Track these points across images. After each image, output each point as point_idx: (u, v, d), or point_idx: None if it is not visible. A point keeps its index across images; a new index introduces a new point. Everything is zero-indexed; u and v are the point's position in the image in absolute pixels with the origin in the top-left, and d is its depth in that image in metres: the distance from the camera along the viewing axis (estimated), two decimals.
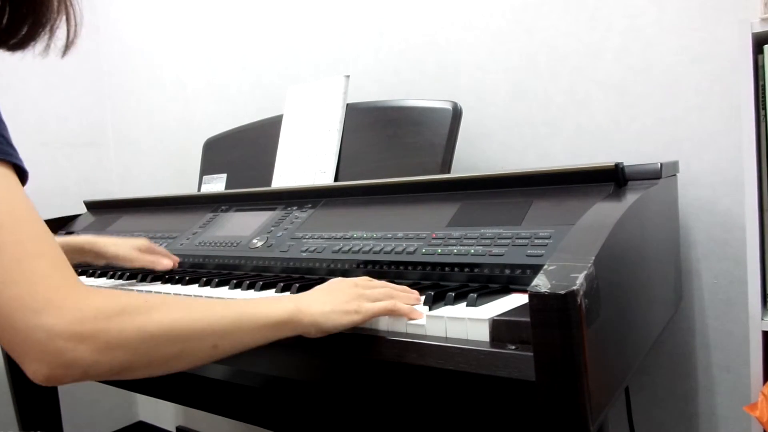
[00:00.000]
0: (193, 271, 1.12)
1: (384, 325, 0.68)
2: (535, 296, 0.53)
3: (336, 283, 0.72)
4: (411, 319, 0.67)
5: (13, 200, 0.52)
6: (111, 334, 0.50)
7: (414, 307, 0.70)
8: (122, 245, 1.06)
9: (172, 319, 0.54)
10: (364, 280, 0.74)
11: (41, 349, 0.47)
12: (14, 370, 1.45)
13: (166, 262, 1.06)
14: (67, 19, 0.65)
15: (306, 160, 1.26)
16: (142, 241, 1.09)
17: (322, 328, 0.65)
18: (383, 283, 0.75)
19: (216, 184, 1.46)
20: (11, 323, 0.47)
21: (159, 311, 0.54)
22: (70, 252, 1.03)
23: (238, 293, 0.86)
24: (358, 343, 0.68)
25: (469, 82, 1.29)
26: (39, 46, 0.65)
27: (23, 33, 0.63)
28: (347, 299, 0.67)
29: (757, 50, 0.83)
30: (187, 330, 0.55)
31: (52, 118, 1.92)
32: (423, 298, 0.73)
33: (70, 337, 0.47)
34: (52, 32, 0.64)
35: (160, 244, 1.22)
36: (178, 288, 0.97)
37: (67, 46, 0.67)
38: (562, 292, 0.52)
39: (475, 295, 0.67)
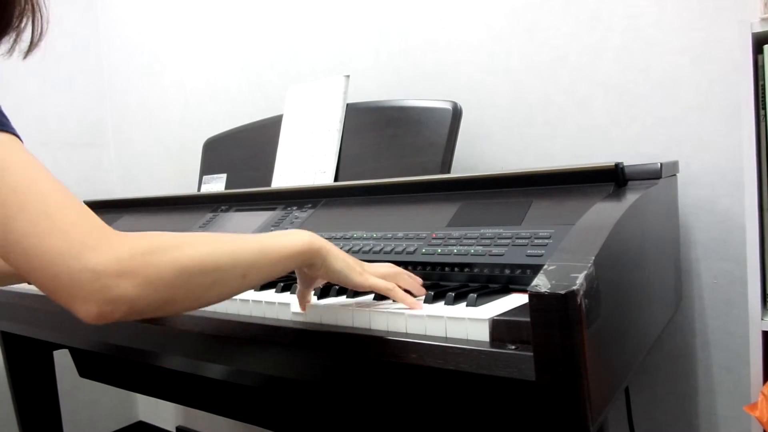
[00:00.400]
0: None
1: (384, 324, 0.68)
2: (535, 296, 0.53)
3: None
4: (409, 307, 0.69)
5: (26, 162, 0.54)
6: (150, 269, 0.52)
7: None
8: None
9: (203, 252, 0.57)
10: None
11: (88, 289, 0.49)
12: (14, 369, 1.45)
13: None
14: (33, 21, 0.66)
15: (306, 160, 1.26)
16: None
17: (330, 267, 0.69)
18: (386, 266, 0.77)
19: (216, 184, 1.46)
20: (53, 272, 0.49)
21: (190, 247, 0.57)
22: None
23: None
24: (358, 342, 0.68)
25: (469, 82, 1.29)
26: (3, 47, 0.66)
27: None
28: (355, 262, 0.72)
29: (757, 50, 0.83)
30: (218, 261, 0.58)
31: (52, 118, 1.92)
32: (423, 297, 0.73)
33: (113, 274, 0.50)
34: (18, 34, 0.65)
35: None
36: None
37: (30, 48, 0.68)
38: (562, 292, 0.52)
39: (475, 295, 0.67)
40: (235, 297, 0.83)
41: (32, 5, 0.65)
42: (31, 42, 0.67)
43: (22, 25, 0.65)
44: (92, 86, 2.05)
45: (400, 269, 0.76)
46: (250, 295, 0.84)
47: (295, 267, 0.69)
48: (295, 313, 0.76)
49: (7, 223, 0.50)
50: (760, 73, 0.83)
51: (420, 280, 0.78)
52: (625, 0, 1.10)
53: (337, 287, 0.81)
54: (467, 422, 0.71)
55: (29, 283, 0.85)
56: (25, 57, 0.68)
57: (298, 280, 0.74)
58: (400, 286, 0.73)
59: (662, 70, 1.08)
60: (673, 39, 1.06)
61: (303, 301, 0.75)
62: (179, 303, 0.56)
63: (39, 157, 0.57)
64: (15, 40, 0.66)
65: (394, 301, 0.72)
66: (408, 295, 0.71)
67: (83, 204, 0.54)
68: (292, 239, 0.67)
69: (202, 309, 0.87)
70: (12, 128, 0.56)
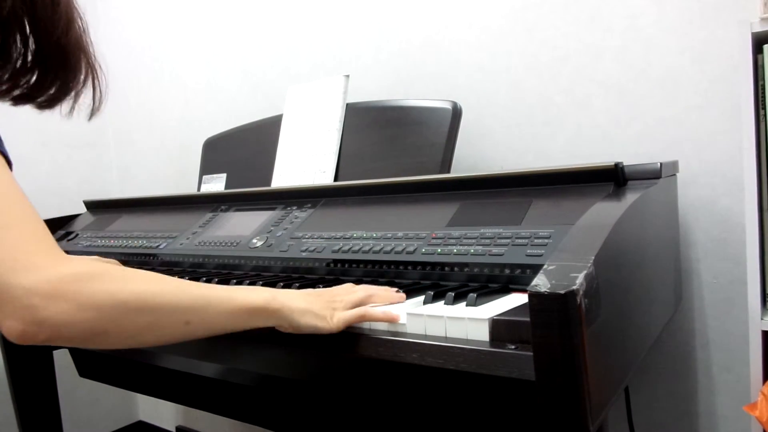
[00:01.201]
0: (192, 270, 1.12)
1: (383, 324, 0.68)
2: (534, 296, 0.53)
3: (316, 291, 0.73)
4: (387, 321, 0.67)
5: None
6: (84, 295, 0.52)
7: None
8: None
9: (145, 290, 0.57)
10: (346, 288, 0.75)
11: (16, 305, 0.50)
12: (14, 369, 1.45)
13: None
14: (93, 87, 0.71)
15: (306, 159, 1.26)
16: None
17: (295, 324, 0.67)
18: (365, 287, 0.76)
19: (216, 184, 1.46)
20: None
21: (133, 282, 0.56)
22: None
23: None
24: (358, 342, 0.68)
25: (469, 82, 1.29)
26: (65, 107, 0.71)
27: (51, 93, 0.69)
28: (323, 305, 0.69)
29: (757, 50, 0.83)
30: (158, 302, 0.57)
31: (52, 118, 1.92)
32: (423, 297, 0.73)
33: (44, 295, 0.50)
34: (77, 96, 0.71)
35: (160, 244, 1.22)
36: None
37: (93, 112, 0.73)
38: (562, 291, 0.52)
39: (475, 295, 0.67)
40: None
41: (93, 74, 0.70)
42: (93, 106, 0.72)
43: (81, 89, 0.70)
44: None
45: (371, 289, 0.75)
46: None
47: (254, 325, 0.65)
48: None
49: None
50: (760, 73, 0.83)
51: (394, 291, 0.76)
52: (625, 0, 1.10)
53: None
54: (467, 422, 0.71)
55: None
56: (89, 119, 0.74)
57: None
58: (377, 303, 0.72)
59: (662, 70, 1.08)
60: (673, 39, 1.06)
61: None
62: (111, 338, 0.55)
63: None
64: (74, 102, 0.71)
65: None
66: (384, 312, 0.68)
67: (42, 225, 0.55)
68: (248, 296, 0.65)
69: None
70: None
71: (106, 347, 0.56)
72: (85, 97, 0.72)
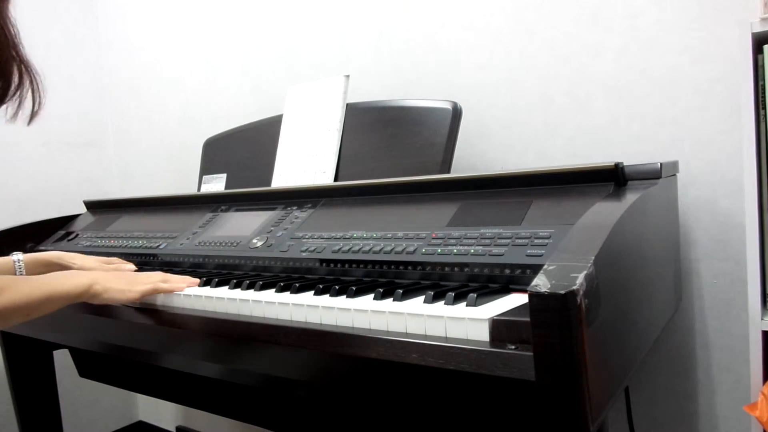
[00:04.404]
0: (193, 270, 1.12)
1: (384, 325, 0.68)
2: (535, 296, 0.53)
3: (123, 273, 0.98)
4: (174, 292, 0.90)
5: None
6: None
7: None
8: (89, 260, 1.14)
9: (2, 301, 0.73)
10: (151, 273, 0.96)
11: None
12: (14, 369, 1.45)
13: None
14: (32, 91, 0.74)
15: (306, 160, 1.26)
16: (110, 259, 1.16)
17: (105, 299, 0.87)
18: (159, 273, 0.96)
19: (216, 184, 1.46)
20: None
21: None
22: (38, 266, 1.13)
23: (238, 293, 0.86)
24: (358, 343, 0.68)
25: (469, 82, 1.29)
26: (9, 110, 0.74)
27: None
28: (126, 283, 0.89)
29: (757, 50, 0.83)
30: (8, 308, 0.75)
31: (52, 118, 1.92)
32: (423, 297, 0.73)
33: None
34: (21, 100, 0.74)
35: (160, 244, 1.22)
36: None
37: (32, 115, 0.77)
38: (562, 291, 0.52)
39: (475, 295, 0.67)
40: (234, 297, 0.83)
41: (30, 77, 0.73)
42: (33, 109, 0.76)
43: (24, 93, 0.73)
44: (92, 86, 2.05)
45: (169, 275, 0.95)
46: (250, 294, 0.84)
47: (74, 302, 0.86)
48: (293, 313, 0.76)
49: None
50: (760, 73, 0.83)
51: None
52: (625, 0, 1.10)
53: (337, 287, 0.80)
54: (467, 422, 0.71)
55: None
56: (29, 123, 0.78)
57: None
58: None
59: (662, 70, 1.08)
60: (673, 39, 1.06)
61: None
62: None
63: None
64: (19, 106, 0.74)
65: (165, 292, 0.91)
66: (172, 284, 0.91)
67: None
68: (75, 284, 0.84)
69: (203, 309, 0.87)
70: None
71: None
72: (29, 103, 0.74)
